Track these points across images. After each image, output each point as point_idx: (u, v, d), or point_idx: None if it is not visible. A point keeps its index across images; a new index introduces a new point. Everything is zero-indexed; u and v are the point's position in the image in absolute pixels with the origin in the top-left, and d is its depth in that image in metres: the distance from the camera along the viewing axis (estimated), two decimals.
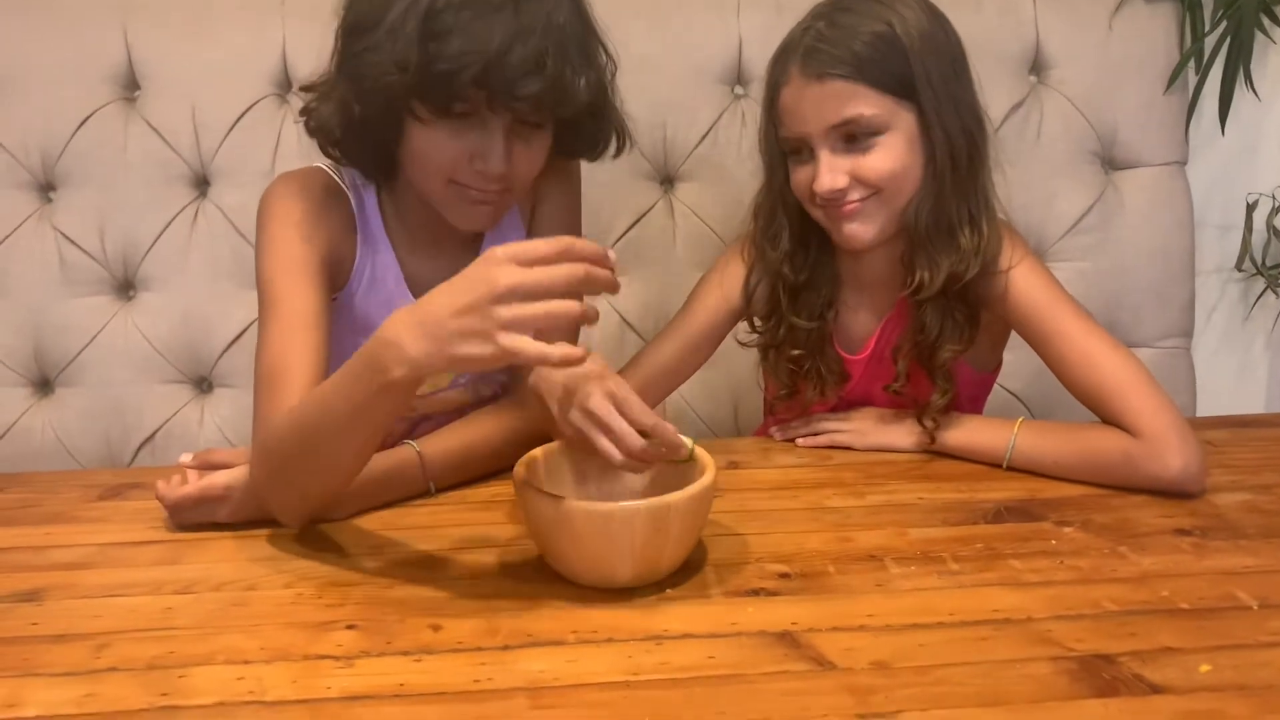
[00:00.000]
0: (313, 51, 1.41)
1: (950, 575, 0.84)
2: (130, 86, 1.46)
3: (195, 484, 0.94)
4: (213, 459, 0.97)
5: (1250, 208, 1.63)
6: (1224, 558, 0.86)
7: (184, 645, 0.76)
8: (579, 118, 1.02)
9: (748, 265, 1.19)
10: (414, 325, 0.77)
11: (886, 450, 1.12)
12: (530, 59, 0.92)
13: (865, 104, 1.03)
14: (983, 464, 1.07)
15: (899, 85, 1.03)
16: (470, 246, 1.10)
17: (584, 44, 0.99)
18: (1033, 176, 1.50)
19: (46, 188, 1.45)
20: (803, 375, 1.16)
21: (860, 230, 1.07)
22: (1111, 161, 1.54)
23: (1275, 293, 1.65)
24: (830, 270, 1.16)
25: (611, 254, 0.76)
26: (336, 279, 1.06)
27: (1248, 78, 1.56)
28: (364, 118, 1.00)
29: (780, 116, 1.07)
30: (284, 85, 1.46)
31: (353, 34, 0.99)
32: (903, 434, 1.12)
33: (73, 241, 1.44)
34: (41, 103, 1.43)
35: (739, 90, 1.51)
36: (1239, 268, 1.66)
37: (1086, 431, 1.04)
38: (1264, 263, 1.65)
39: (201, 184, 1.47)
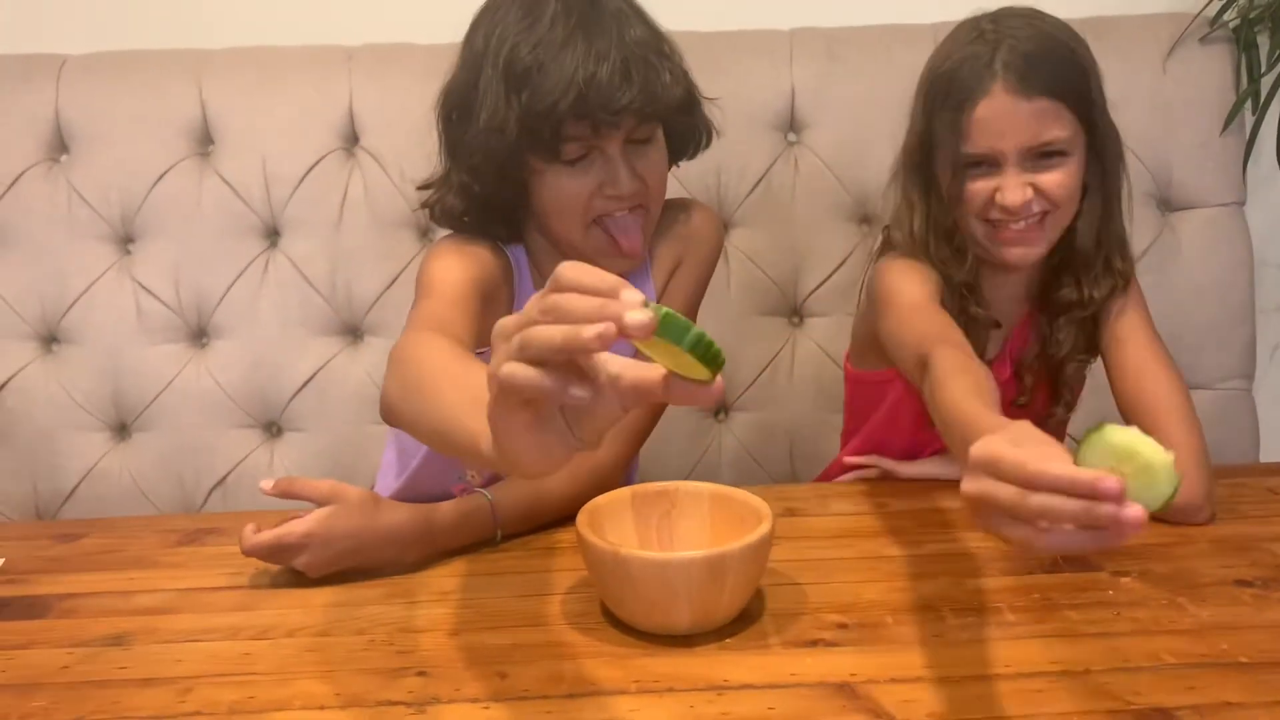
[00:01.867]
0: (378, 105, 1.50)
1: (1007, 626, 0.85)
2: (204, 141, 1.52)
3: (271, 532, 0.95)
4: (295, 489, 0.97)
5: None
6: None
7: (263, 690, 0.79)
8: (677, 117, 1.07)
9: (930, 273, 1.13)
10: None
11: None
12: (617, 73, 0.98)
13: (1064, 126, 1.04)
14: None
15: (1085, 111, 1.06)
16: None
17: (659, 46, 1.05)
18: None
19: (125, 240, 1.52)
20: None
21: (1026, 253, 1.09)
22: (1168, 203, 1.54)
23: None
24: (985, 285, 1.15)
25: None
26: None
27: None
28: (486, 194, 1.06)
29: (970, 129, 1.05)
30: (351, 139, 1.51)
31: (451, 120, 1.06)
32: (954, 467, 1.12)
33: (149, 291, 1.50)
34: (121, 158, 1.50)
35: (792, 137, 1.53)
36: None
37: None
38: None
39: (272, 235, 1.52)
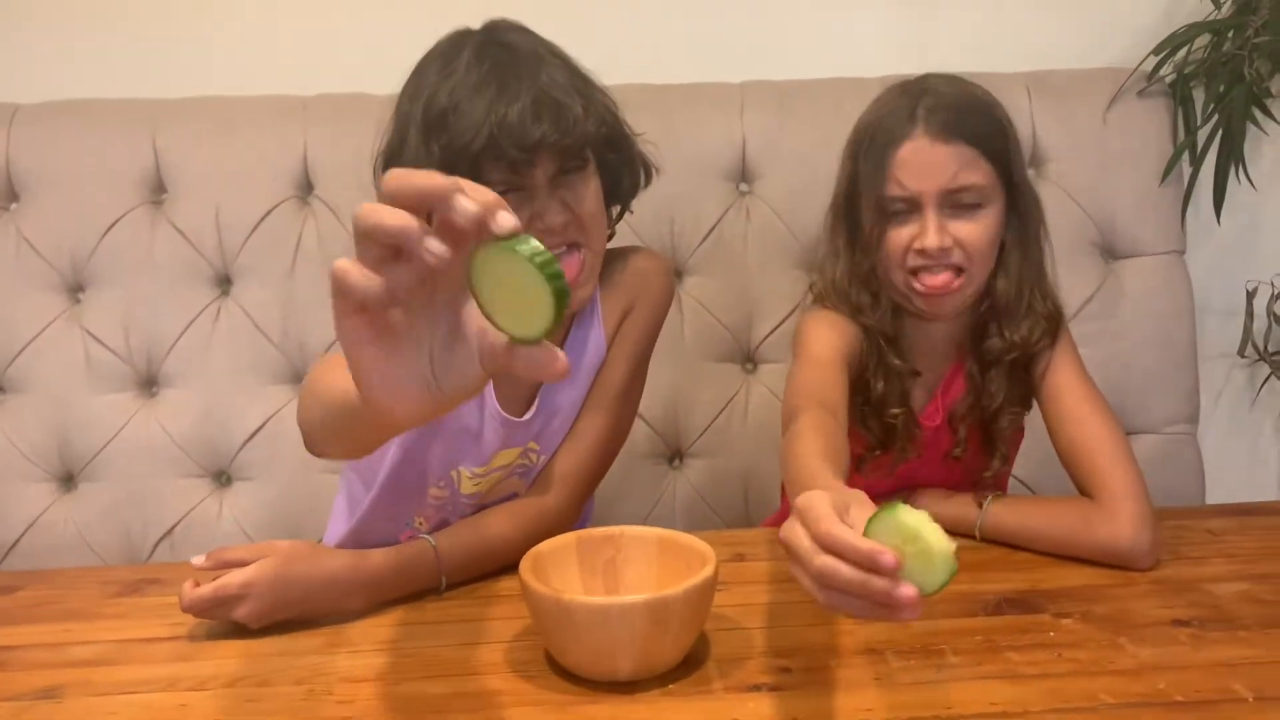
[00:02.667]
0: (333, 154, 1.51)
1: (949, 669, 0.85)
2: (157, 190, 1.52)
3: (209, 585, 0.95)
4: (225, 557, 0.97)
5: (1250, 294, 1.65)
6: (1221, 649, 0.86)
7: None
8: (602, 152, 1.08)
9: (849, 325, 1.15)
10: None
11: None
12: (528, 113, 0.99)
13: (981, 174, 1.08)
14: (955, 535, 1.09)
15: (1002, 163, 1.09)
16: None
17: (576, 84, 1.05)
18: None
19: (75, 289, 1.51)
20: (898, 433, 1.17)
21: (942, 303, 1.11)
22: (1111, 251, 1.57)
23: (1279, 378, 1.67)
24: (908, 335, 1.18)
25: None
26: None
27: (1241, 168, 1.59)
28: None
29: (891, 172, 1.08)
30: (305, 187, 1.52)
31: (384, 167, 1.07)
32: None
33: (99, 340, 1.49)
34: (73, 207, 1.49)
35: (744, 187, 1.55)
36: (1241, 354, 1.68)
37: (1051, 500, 1.15)
38: (1266, 348, 1.67)
39: (224, 283, 1.52)
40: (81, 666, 0.91)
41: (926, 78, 1.12)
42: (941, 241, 1.07)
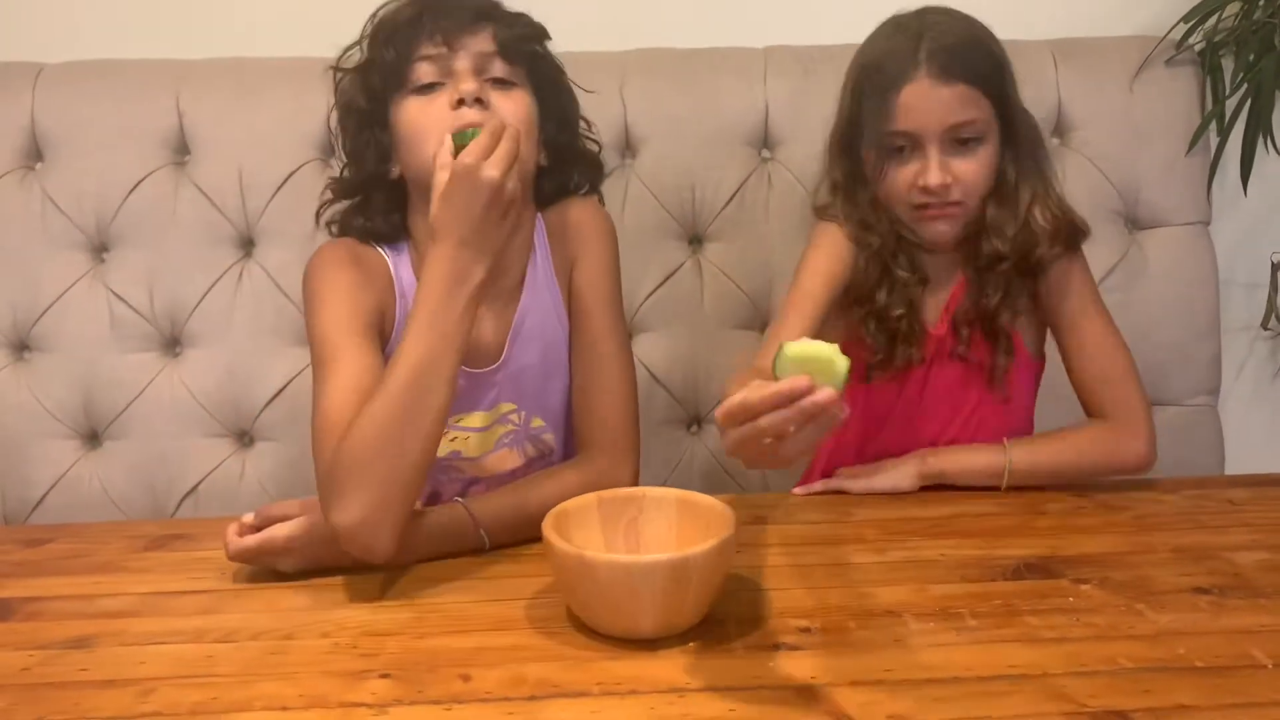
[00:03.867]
0: None
1: (968, 631, 0.85)
2: (181, 151, 1.52)
3: (255, 537, 0.98)
4: (272, 513, 0.99)
5: (1275, 266, 1.64)
6: (1241, 616, 0.87)
7: (225, 691, 0.79)
8: (543, 84, 1.13)
9: (848, 247, 1.22)
10: (458, 242, 0.95)
11: (888, 491, 1.17)
12: None
13: (980, 110, 1.13)
14: (984, 488, 1.17)
15: (999, 99, 1.15)
16: (504, 301, 1.15)
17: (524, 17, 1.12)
18: None
19: (100, 248, 1.51)
20: (900, 337, 1.20)
21: (948, 230, 1.17)
22: (1135, 221, 1.56)
23: None
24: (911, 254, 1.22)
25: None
26: (383, 336, 1.11)
27: (1269, 138, 1.58)
28: (360, 171, 1.14)
29: (895, 112, 1.12)
30: (327, 150, 1.52)
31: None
32: (901, 476, 1.18)
33: (123, 300, 1.50)
34: (97, 167, 1.50)
35: (765, 154, 1.55)
36: (1265, 326, 1.67)
37: (1065, 432, 1.21)
38: None
39: (247, 244, 1.52)
40: (111, 618, 0.93)
41: (924, 12, 1.17)
42: (943, 179, 1.12)
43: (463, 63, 1.07)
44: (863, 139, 1.17)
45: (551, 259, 1.17)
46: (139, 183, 1.50)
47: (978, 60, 1.13)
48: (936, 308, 1.23)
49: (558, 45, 1.16)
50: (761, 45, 1.58)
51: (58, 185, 1.50)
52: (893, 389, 1.24)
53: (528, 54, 1.11)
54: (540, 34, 1.14)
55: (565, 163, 1.19)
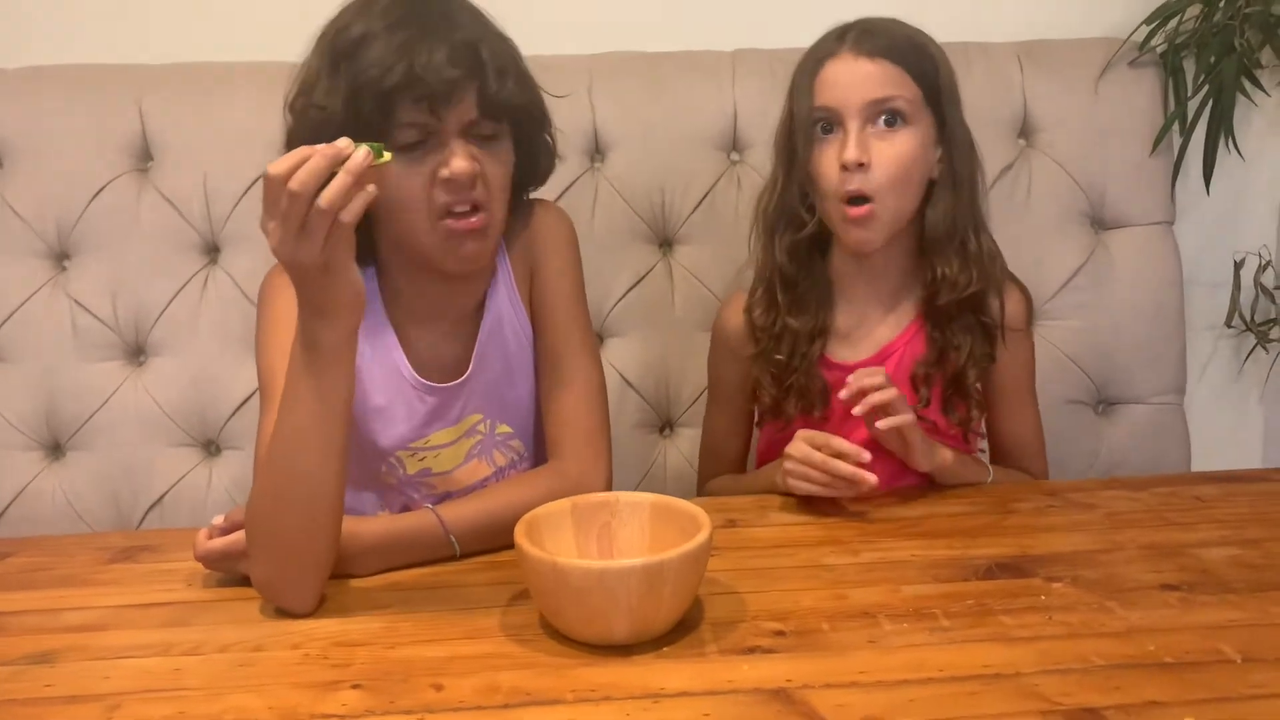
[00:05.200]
0: None
1: (942, 632, 0.86)
2: (143, 157, 1.50)
3: (222, 540, 0.97)
4: (239, 519, 0.97)
5: (1238, 265, 1.66)
6: (1210, 612, 0.87)
7: (193, 705, 0.78)
8: (521, 118, 1.06)
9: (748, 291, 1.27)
10: (302, 304, 0.88)
11: (910, 462, 1.17)
12: (443, 54, 0.97)
13: (904, 89, 1.13)
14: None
15: (929, 88, 1.15)
16: (468, 317, 1.14)
17: (501, 47, 1.04)
18: (1024, 237, 1.53)
19: (61, 256, 1.49)
20: (784, 388, 1.21)
21: (865, 235, 1.15)
22: (1101, 221, 1.57)
23: (1265, 349, 1.68)
24: (825, 274, 1.23)
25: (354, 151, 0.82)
26: None
27: (1230, 139, 1.60)
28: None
29: (818, 88, 1.14)
30: None
31: (293, 110, 1.05)
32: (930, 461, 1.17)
33: (85, 308, 1.48)
34: (58, 173, 1.47)
35: (735, 156, 1.55)
36: (1229, 324, 1.69)
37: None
38: (1253, 319, 1.67)
39: (212, 251, 1.51)
40: (75, 632, 0.91)
41: (862, 17, 1.17)
42: (861, 156, 1.10)
43: (451, 129, 1.00)
44: (797, 133, 1.17)
45: (512, 270, 1.16)
46: (101, 189, 1.48)
47: (905, 46, 1.14)
48: (880, 336, 1.23)
49: (526, 49, 1.13)
50: (730, 48, 1.58)
51: (17, 192, 1.48)
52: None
53: (510, 106, 1.04)
54: (521, 80, 1.06)
55: (533, 176, 1.16)
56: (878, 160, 1.11)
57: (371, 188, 0.84)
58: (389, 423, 1.13)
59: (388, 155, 0.86)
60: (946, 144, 1.17)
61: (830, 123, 1.14)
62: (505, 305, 1.15)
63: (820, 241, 1.22)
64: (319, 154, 0.81)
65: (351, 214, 0.82)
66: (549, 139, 1.14)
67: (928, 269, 1.18)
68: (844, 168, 1.11)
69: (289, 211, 0.81)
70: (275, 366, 1.00)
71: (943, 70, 1.16)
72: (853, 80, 1.12)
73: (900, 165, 1.12)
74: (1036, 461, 1.29)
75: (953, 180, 1.17)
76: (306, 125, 1.00)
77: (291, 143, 1.02)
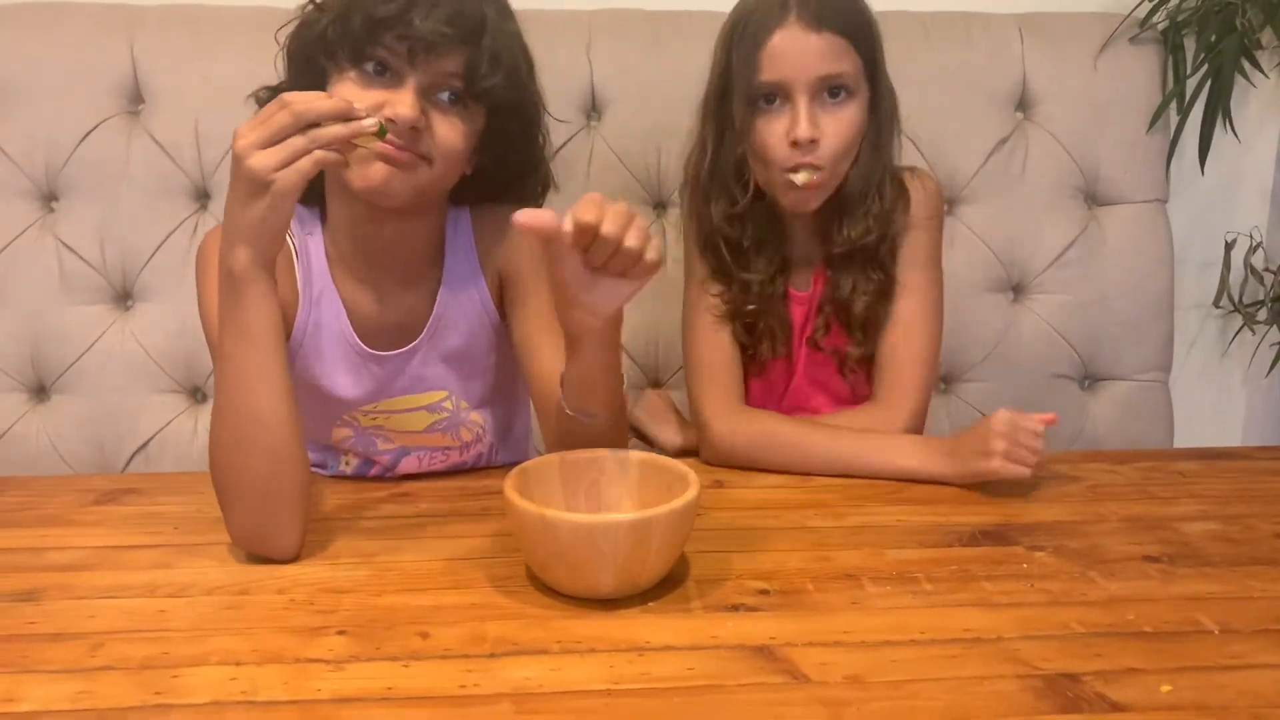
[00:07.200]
0: None
1: (924, 595, 0.86)
2: (134, 100, 1.48)
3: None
4: None
5: (1229, 246, 1.67)
6: (1189, 584, 0.88)
7: (178, 646, 0.78)
8: (502, 113, 1.03)
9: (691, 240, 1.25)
10: (225, 231, 0.89)
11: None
12: (445, 13, 0.96)
13: (850, 62, 1.11)
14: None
15: (869, 60, 1.13)
16: (413, 284, 1.11)
17: (504, 34, 1.02)
18: (1017, 210, 1.54)
19: (49, 197, 1.48)
20: (759, 333, 1.22)
21: (810, 197, 1.14)
22: (1094, 197, 1.57)
23: (1252, 330, 1.69)
24: (778, 227, 1.21)
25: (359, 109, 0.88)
26: (286, 323, 1.06)
27: (1227, 119, 1.60)
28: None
29: (763, 62, 1.10)
30: None
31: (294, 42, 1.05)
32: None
33: (73, 251, 1.46)
34: (47, 114, 1.46)
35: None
36: (1217, 305, 1.70)
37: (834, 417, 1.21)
38: (1241, 300, 1.68)
39: (202, 197, 1.49)
40: (60, 571, 0.91)
41: None
42: (813, 132, 1.09)
43: (418, 79, 0.97)
44: (733, 98, 1.14)
45: (476, 251, 1.13)
46: (90, 131, 1.46)
47: (849, 12, 1.12)
48: (803, 286, 1.24)
49: (524, 3, 1.12)
50: (729, 8, 1.56)
51: (5, 132, 1.46)
52: (762, 384, 1.25)
53: (484, 91, 1.00)
54: (512, 79, 1.02)
55: (507, 175, 1.12)
56: (826, 134, 1.10)
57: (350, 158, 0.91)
58: (338, 386, 1.11)
59: (385, 135, 0.90)
60: (875, 109, 1.15)
61: (774, 95, 1.12)
62: (466, 284, 1.12)
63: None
64: (337, 99, 0.87)
65: (320, 157, 0.85)
66: (537, 157, 1.12)
67: (834, 227, 1.18)
68: (795, 144, 1.10)
69: (276, 120, 0.84)
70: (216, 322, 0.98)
71: (875, 31, 1.15)
72: (802, 55, 1.09)
73: (848, 138, 1.12)
74: (893, 392, 1.19)
75: (876, 142, 1.16)
76: (301, 26, 1.04)
77: (290, 46, 1.06)
